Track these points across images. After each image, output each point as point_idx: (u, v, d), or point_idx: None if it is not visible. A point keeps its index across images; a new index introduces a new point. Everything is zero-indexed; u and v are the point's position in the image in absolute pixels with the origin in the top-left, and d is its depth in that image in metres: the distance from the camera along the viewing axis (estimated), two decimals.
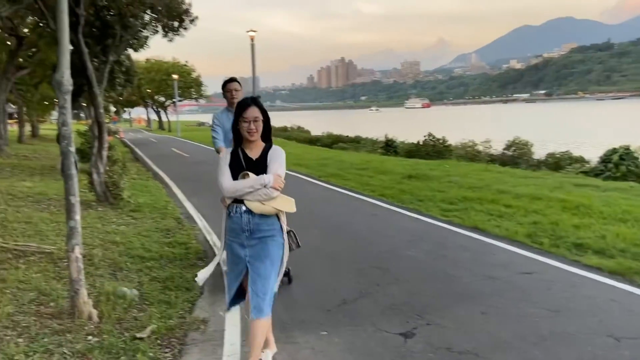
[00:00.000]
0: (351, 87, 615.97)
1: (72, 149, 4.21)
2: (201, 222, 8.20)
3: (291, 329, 4.13)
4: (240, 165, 3.11)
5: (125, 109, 61.65)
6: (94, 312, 4.23)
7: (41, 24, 11.30)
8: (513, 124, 54.59)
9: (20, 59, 21.67)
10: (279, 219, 3.22)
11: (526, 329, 4.00)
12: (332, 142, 28.39)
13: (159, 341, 3.97)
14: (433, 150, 21.72)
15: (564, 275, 5.25)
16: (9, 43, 19.80)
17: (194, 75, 53.23)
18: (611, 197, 9.09)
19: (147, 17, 14.26)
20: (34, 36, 18.39)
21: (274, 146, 3.20)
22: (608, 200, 8.83)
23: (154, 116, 64.27)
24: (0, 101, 19.48)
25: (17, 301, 4.50)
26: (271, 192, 3.07)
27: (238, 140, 3.19)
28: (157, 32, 17.93)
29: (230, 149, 3.25)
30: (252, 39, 21.15)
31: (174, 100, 48.38)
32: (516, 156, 20.03)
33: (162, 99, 55.76)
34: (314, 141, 30.48)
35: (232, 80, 5.45)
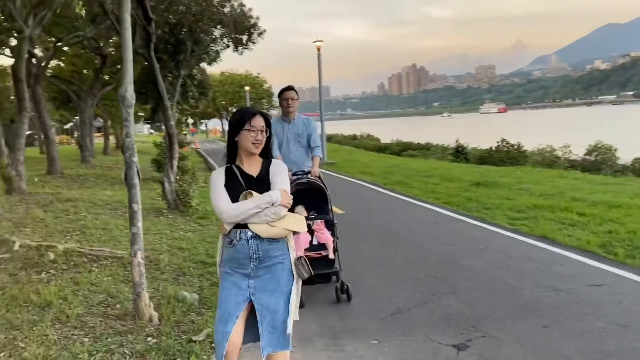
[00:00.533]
0: (423, 93, 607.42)
1: (135, 159, 4.46)
2: None
3: (341, 337, 4.12)
4: (239, 184, 2.69)
5: (201, 120, 64.34)
6: (155, 315, 4.44)
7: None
8: (597, 128, 51.46)
9: (106, 76, 23.30)
10: (287, 242, 2.80)
11: (590, 345, 3.75)
12: (401, 149, 28.08)
13: (213, 345, 4.09)
14: (507, 156, 20.93)
15: (638, 289, 4.87)
16: (96, 62, 21.34)
17: (265, 86, 54.70)
18: None
19: (216, 33, 14.89)
20: (117, 54, 19.73)
21: (274, 160, 2.87)
22: None
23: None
24: (88, 115, 20.95)
25: (87, 302, 4.81)
26: (280, 210, 2.66)
27: (232, 156, 2.80)
28: (227, 46, 18.72)
29: (221, 169, 2.81)
30: (318, 49, 21.44)
31: None
32: (599, 161, 18.87)
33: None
34: (382, 149, 30.29)
35: (288, 88, 5.38)
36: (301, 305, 4.06)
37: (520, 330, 4.07)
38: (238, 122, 2.72)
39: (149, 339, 4.05)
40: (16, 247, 6.39)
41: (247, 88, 46.03)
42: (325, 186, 5.12)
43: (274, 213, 2.66)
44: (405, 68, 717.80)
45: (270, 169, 2.81)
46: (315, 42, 21.67)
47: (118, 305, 4.76)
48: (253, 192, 2.67)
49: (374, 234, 7.57)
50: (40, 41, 19.38)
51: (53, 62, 24.45)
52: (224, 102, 53.85)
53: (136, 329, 4.21)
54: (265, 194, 2.67)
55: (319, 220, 5.06)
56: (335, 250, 4.99)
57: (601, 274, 5.35)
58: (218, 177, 2.74)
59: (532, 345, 3.79)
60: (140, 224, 4.46)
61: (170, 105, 10.40)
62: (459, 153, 22.59)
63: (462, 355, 3.73)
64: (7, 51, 15.03)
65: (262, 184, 2.73)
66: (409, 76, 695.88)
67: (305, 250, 4.77)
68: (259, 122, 2.73)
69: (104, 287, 5.22)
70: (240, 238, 2.68)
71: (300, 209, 4.87)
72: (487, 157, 21.54)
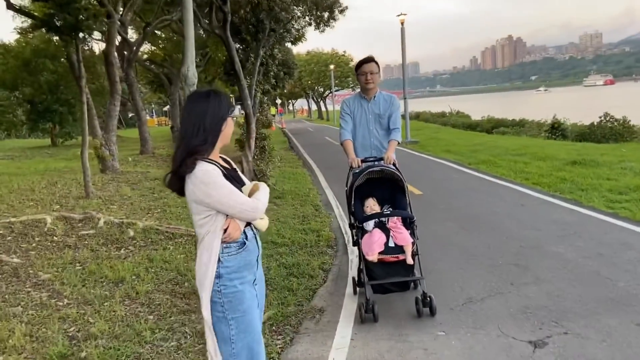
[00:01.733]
0: (519, 66, 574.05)
1: None
2: (338, 209, 8.23)
3: (405, 325, 3.87)
4: (231, 179, 2.28)
5: (289, 100, 65.30)
6: None
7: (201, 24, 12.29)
8: None
9: (198, 59, 24.17)
10: None
11: None
12: (492, 126, 26.64)
13: (274, 327, 4.02)
14: (611, 132, 19.15)
15: None
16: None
17: (351, 64, 54.20)
18: None
19: (297, 11, 14.79)
20: (204, 37, 20.33)
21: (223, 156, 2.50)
22: None
23: (315, 107, 67.09)
24: (177, 97, 21.83)
25: (157, 280, 4.94)
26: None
27: (206, 146, 2.26)
28: (309, 24, 18.59)
29: (211, 165, 2.23)
30: (402, 23, 20.69)
31: (331, 90, 49.85)
32: None
33: (321, 89, 57.85)
34: (472, 126, 28.93)
35: (367, 60, 4.56)
36: (375, 319, 3.92)
37: (609, 327, 3.59)
38: (227, 109, 2.33)
39: None
40: (101, 223, 6.74)
41: (331, 67, 45.85)
42: (401, 175, 4.26)
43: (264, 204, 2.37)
44: (501, 40, 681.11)
45: (231, 161, 2.50)
46: (399, 15, 20.93)
47: (186, 284, 4.84)
48: (259, 184, 2.40)
49: (451, 217, 7.14)
50: (135, 26, 20.43)
51: (148, 47, 25.75)
52: (310, 82, 54.15)
53: (199, 308, 4.23)
54: (262, 186, 2.39)
55: (395, 217, 4.17)
56: (415, 254, 4.04)
57: None
58: (219, 174, 2.22)
59: (621, 346, 3.33)
60: None
61: (249, 85, 10.49)
62: (555, 130, 20.95)
63: (539, 353, 3.35)
64: (96, 34, 15.84)
65: (237, 176, 2.41)
66: (504, 49, 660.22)
67: (380, 253, 3.94)
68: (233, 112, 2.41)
69: (175, 264, 5.34)
70: (251, 236, 2.37)
71: (372, 202, 4.28)
72: (587, 134, 19.83)
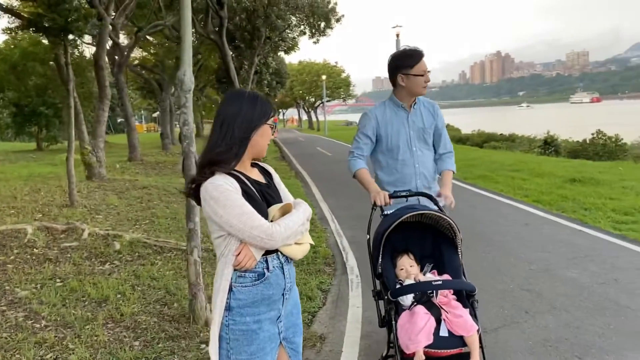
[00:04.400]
0: (507, 82, 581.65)
1: (193, 149, 4.11)
2: (334, 224, 7.91)
3: None
4: (255, 197, 1.95)
5: (279, 109, 65.11)
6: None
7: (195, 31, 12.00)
8: None
9: None
10: None
11: None
12: (483, 140, 26.58)
13: None
14: (603, 149, 19.13)
15: None
16: (177, 51, 21.79)
17: (343, 75, 54.21)
18: None
19: (293, 19, 14.57)
20: (197, 44, 20.03)
21: (266, 165, 2.20)
22: None
23: (305, 117, 66.95)
24: (168, 104, 21.45)
25: (144, 299, 4.57)
26: (309, 223, 2.08)
27: (239, 156, 1.98)
28: (304, 33, 18.39)
29: (226, 177, 1.91)
30: (397, 36, 20.57)
31: (322, 100, 49.71)
32: None
33: (312, 99, 57.74)
34: (463, 140, 28.85)
35: (423, 53, 3.19)
36: None
37: None
38: (262, 114, 2.01)
39: (203, 346, 3.70)
40: (85, 235, 6.36)
41: (323, 77, 45.75)
42: (453, 221, 2.82)
43: (306, 228, 2.04)
44: (490, 56, 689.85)
45: (273, 174, 2.18)
46: (394, 27, 20.79)
47: (175, 304, 4.48)
48: (291, 204, 2.02)
49: None
50: (126, 31, 20.07)
51: (139, 52, 25.38)
52: (301, 91, 54.03)
53: (190, 334, 3.89)
54: (298, 205, 2.04)
55: (446, 290, 2.69)
56: (481, 346, 2.60)
57: None
58: (232, 188, 1.88)
59: None
60: (197, 219, 4.12)
61: None
62: (548, 145, 20.92)
63: None
64: (87, 38, 15.47)
65: (275, 193, 2.08)
66: (492, 64, 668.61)
67: (428, 347, 2.48)
68: (273, 118, 2.10)
69: (163, 282, 4.98)
70: (273, 267, 1.97)
71: (409, 261, 2.84)
72: (580, 150, 19.81)
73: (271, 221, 1.92)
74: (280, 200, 2.04)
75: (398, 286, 2.71)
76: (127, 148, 17.66)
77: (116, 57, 15.60)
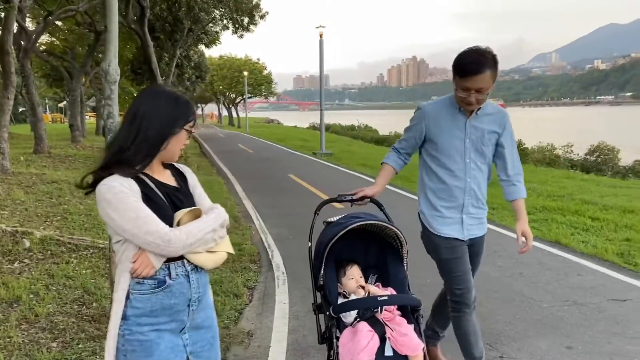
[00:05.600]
0: (422, 86, 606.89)
1: None
2: (258, 222, 7.91)
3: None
4: (161, 200, 1.81)
5: (198, 104, 63.60)
6: None
7: None
8: (595, 128, 51.16)
9: (100, 54, 22.63)
10: None
11: None
12: None
13: None
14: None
15: None
16: (90, 38, 20.64)
17: (265, 72, 53.95)
18: None
19: (216, 12, 14.32)
20: None
21: (181, 165, 2.03)
22: None
23: (226, 113, 65.90)
24: (79, 94, 20.27)
25: (60, 299, 4.35)
26: (224, 231, 1.94)
27: (150, 158, 1.83)
28: (227, 28, 18.11)
29: (125, 179, 1.75)
30: (320, 36, 20.81)
31: (244, 97, 49.20)
32: (600, 162, 18.56)
33: (233, 95, 56.95)
34: (381, 141, 29.78)
35: (477, 69, 2.55)
36: None
37: (542, 351, 3.64)
38: (182, 117, 1.84)
39: None
40: None
41: (245, 73, 45.29)
42: (401, 233, 2.60)
43: (220, 236, 1.89)
44: (406, 60, 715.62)
45: (188, 177, 2.01)
46: (318, 27, 21.02)
47: (95, 304, 4.30)
48: (199, 209, 1.88)
49: None
50: (33, 15, 18.71)
51: (47, 38, 23.74)
52: (221, 87, 53.11)
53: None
54: (213, 210, 1.91)
55: (391, 307, 2.49)
56: None
57: (624, 287, 4.92)
58: (129, 190, 1.72)
59: None
60: None
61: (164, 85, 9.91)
62: None
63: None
64: None
65: (187, 197, 1.92)
66: (408, 68, 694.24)
67: None
68: (193, 122, 1.91)
69: (80, 281, 4.76)
70: (177, 275, 1.81)
71: (358, 271, 2.60)
72: None
73: (177, 226, 1.78)
74: (192, 205, 1.89)
75: (341, 300, 2.49)
76: (31, 139, 16.50)
77: (22, 42, 14.54)
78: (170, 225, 1.76)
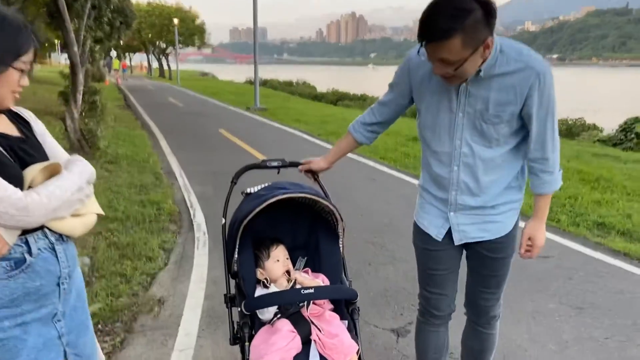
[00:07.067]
0: (361, 43, 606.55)
1: None
2: (182, 179, 7.43)
3: None
4: (0, 157, 1.38)
5: (126, 54, 60.09)
6: None
7: None
8: None
9: None
10: None
11: (545, 331, 3.30)
12: (337, 99, 27.33)
13: (99, 326, 3.28)
14: None
15: (587, 262, 4.52)
16: None
17: (197, 22, 51.41)
18: (635, 170, 8.29)
19: None
20: None
21: (20, 108, 1.57)
22: (631, 173, 8.04)
23: (156, 64, 62.76)
24: None
25: None
26: (91, 188, 1.59)
27: None
28: None
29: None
30: None
31: (175, 47, 46.83)
32: None
33: (164, 45, 54.12)
34: (318, 97, 29.37)
35: (431, 34, 1.71)
36: None
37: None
38: (7, 49, 1.36)
39: None
40: None
41: (176, 21, 42.89)
42: (336, 209, 2.15)
43: (87, 195, 1.53)
44: (345, 16, 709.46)
45: (33, 126, 1.57)
46: None
47: None
48: (58, 163, 1.47)
49: None
50: None
51: None
52: (150, 35, 50.22)
53: None
54: (73, 165, 1.52)
55: (321, 300, 2.07)
56: None
57: (547, 244, 4.87)
58: None
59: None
60: None
61: (76, 29, 8.95)
62: None
63: (402, 342, 3.17)
64: None
65: (36, 149, 1.50)
66: (347, 24, 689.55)
67: None
68: (30, 57, 1.43)
69: None
70: (39, 249, 1.45)
71: (284, 253, 2.17)
72: None
73: (29, 188, 1.40)
74: (44, 158, 1.50)
75: (260, 291, 2.04)
76: None
77: None
78: (21, 188, 1.37)
